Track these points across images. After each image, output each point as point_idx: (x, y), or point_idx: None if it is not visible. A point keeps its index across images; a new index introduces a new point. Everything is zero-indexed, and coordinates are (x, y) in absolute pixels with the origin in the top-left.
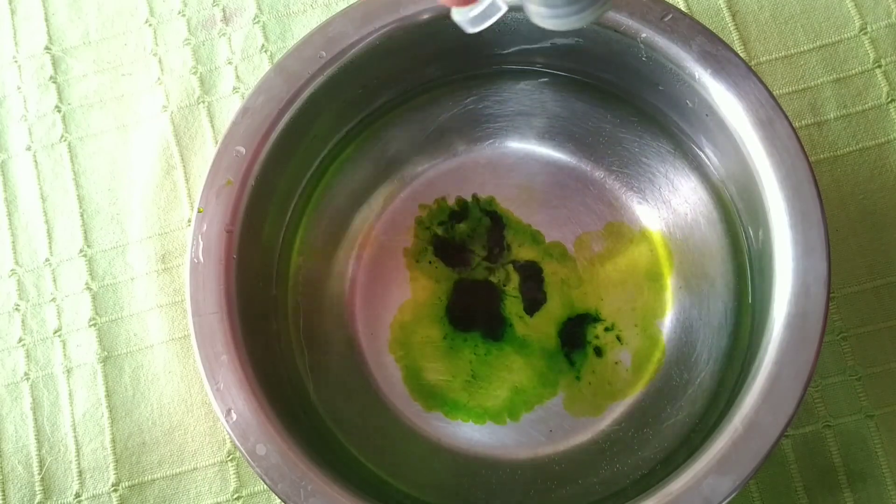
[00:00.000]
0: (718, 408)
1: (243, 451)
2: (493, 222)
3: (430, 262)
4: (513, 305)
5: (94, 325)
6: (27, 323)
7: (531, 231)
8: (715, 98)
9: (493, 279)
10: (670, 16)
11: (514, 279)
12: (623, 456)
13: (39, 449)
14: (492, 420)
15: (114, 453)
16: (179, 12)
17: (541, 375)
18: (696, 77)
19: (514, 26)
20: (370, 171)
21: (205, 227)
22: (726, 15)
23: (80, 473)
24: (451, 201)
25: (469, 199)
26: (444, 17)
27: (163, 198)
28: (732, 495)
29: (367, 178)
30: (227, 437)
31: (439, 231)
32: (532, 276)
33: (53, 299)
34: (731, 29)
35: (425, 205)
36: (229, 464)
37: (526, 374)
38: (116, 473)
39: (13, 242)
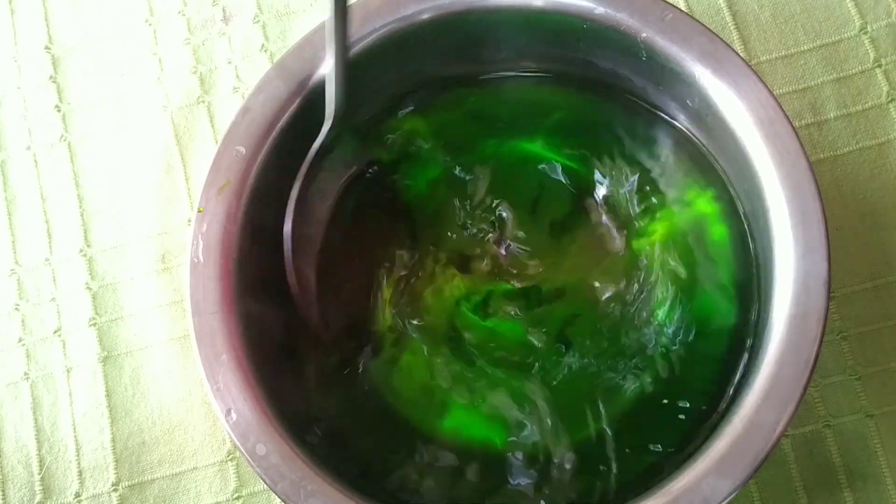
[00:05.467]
0: (718, 408)
1: (243, 450)
2: (493, 224)
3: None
4: (513, 306)
5: (94, 324)
6: (27, 322)
7: (531, 232)
8: (715, 98)
9: (493, 280)
10: (670, 15)
11: (515, 280)
12: (622, 456)
13: (39, 448)
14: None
15: (114, 453)
16: (179, 12)
17: (539, 376)
18: (696, 76)
19: (512, 27)
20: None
21: (205, 227)
22: (726, 14)
23: (80, 473)
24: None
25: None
26: (443, 17)
27: (163, 197)
28: (732, 495)
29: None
30: (227, 436)
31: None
32: (532, 278)
33: (53, 299)
34: (731, 28)
35: None
36: (229, 463)
37: (524, 375)
38: (116, 473)
39: (13, 242)
